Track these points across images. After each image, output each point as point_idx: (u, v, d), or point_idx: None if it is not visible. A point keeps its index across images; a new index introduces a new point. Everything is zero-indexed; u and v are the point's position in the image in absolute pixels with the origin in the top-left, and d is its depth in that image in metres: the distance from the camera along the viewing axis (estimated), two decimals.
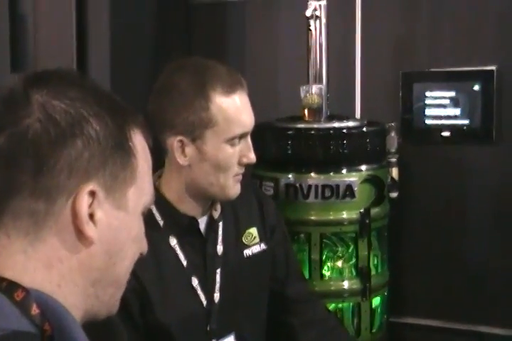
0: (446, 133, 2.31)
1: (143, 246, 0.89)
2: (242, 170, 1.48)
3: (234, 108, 1.43)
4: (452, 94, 2.29)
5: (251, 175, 2.06)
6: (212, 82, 1.42)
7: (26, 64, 2.22)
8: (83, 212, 0.75)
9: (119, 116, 0.79)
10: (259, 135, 2.01)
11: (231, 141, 1.44)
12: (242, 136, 1.45)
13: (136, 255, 0.88)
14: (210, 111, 1.41)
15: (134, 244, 0.85)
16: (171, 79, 1.46)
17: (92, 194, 0.76)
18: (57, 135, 0.74)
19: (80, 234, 0.76)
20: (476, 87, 2.25)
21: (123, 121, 0.80)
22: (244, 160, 1.47)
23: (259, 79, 2.32)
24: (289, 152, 2.00)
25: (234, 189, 1.49)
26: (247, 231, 1.62)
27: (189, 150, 1.44)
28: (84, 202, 0.75)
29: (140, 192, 0.82)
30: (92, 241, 0.77)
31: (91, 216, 0.77)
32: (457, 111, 2.29)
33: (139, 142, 0.82)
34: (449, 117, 2.30)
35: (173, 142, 1.44)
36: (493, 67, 2.23)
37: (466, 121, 2.28)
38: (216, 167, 1.45)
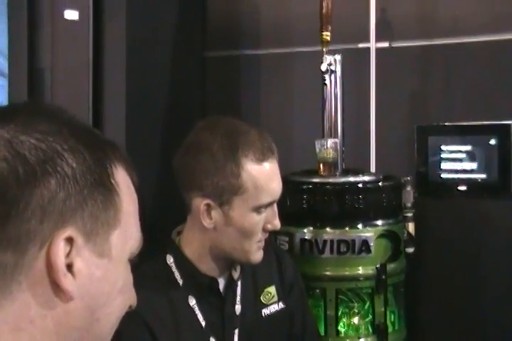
0: (462, 187, 2.28)
1: (131, 298, 0.78)
2: (265, 236, 1.48)
3: (264, 176, 1.42)
4: (468, 148, 2.27)
5: None
6: (244, 148, 1.40)
7: None
8: (59, 263, 0.65)
9: (99, 150, 0.70)
10: None
11: (258, 209, 1.43)
12: (269, 204, 1.44)
13: (124, 309, 0.76)
14: (241, 178, 1.40)
15: (120, 295, 0.74)
16: (201, 139, 1.44)
17: (70, 240, 0.66)
18: (27, 174, 0.65)
19: (56, 288, 0.66)
20: (493, 141, 2.24)
21: (103, 156, 0.70)
22: (269, 227, 1.47)
23: (274, 132, 2.27)
24: (304, 206, 1.98)
25: (256, 254, 1.48)
26: (266, 289, 1.60)
27: (215, 214, 1.43)
28: (60, 250, 0.65)
29: (125, 236, 0.72)
30: (71, 295, 0.66)
31: (69, 266, 0.67)
32: (474, 165, 2.27)
33: (122, 178, 0.72)
34: (465, 171, 2.28)
35: (200, 204, 1.42)
36: (510, 122, 2.22)
37: (483, 175, 2.26)
38: (241, 233, 1.44)
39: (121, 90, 2.22)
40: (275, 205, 1.47)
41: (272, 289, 1.61)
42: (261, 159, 1.41)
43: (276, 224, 1.47)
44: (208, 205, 1.42)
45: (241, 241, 1.45)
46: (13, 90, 2.24)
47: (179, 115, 2.40)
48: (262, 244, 1.48)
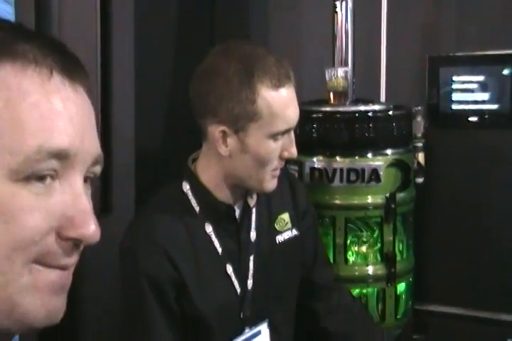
0: (473, 118, 2.27)
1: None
2: (281, 165, 1.45)
3: (280, 103, 1.38)
4: (480, 78, 2.25)
5: None
6: (260, 74, 1.36)
7: None
8: None
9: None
10: None
11: (274, 136, 1.40)
12: (285, 131, 1.42)
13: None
14: (256, 104, 1.36)
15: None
16: (216, 65, 1.39)
17: None
18: None
19: None
20: (506, 71, 2.21)
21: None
22: (286, 154, 1.43)
23: None
24: (315, 135, 1.97)
25: (271, 183, 1.46)
26: (280, 216, 1.60)
27: (231, 140, 1.40)
28: None
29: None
30: None
31: None
32: (485, 96, 2.25)
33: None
34: (476, 102, 2.26)
35: (215, 131, 1.40)
36: None
37: (494, 106, 2.24)
38: (256, 160, 1.41)
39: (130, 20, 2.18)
40: (292, 133, 1.44)
41: (286, 216, 1.61)
42: (277, 85, 1.37)
43: (293, 151, 1.44)
44: (224, 132, 1.40)
45: (256, 168, 1.43)
46: None
47: (188, 40, 2.37)
48: (278, 172, 1.46)
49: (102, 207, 2.24)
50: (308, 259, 1.68)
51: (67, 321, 2.19)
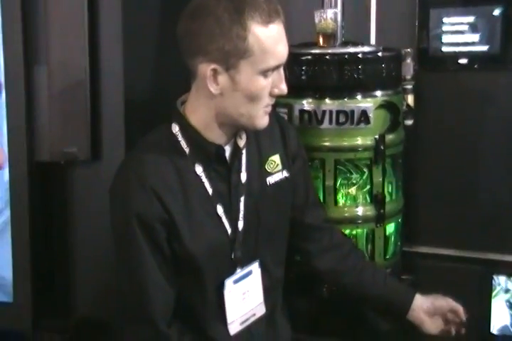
0: (463, 60, 2.26)
1: None
2: (272, 101, 1.47)
3: (271, 39, 1.38)
4: (471, 19, 2.23)
5: None
6: (250, 10, 1.36)
7: None
8: None
9: None
10: None
11: (265, 73, 1.41)
12: (276, 68, 1.42)
13: None
14: (247, 40, 1.37)
15: None
16: (205, 3, 1.39)
17: None
18: None
19: None
20: (496, 12, 2.19)
21: None
22: (276, 91, 1.45)
23: None
24: (304, 78, 1.96)
25: (263, 120, 1.47)
26: (270, 158, 1.61)
27: (222, 79, 1.40)
28: None
29: None
30: None
31: None
32: (475, 38, 2.23)
33: None
34: (466, 44, 2.25)
35: (206, 70, 1.40)
36: None
37: (484, 48, 2.23)
38: (248, 97, 1.42)
39: None
40: (281, 69, 1.45)
41: (276, 158, 1.63)
42: (267, 21, 1.38)
43: (283, 88, 1.45)
44: (215, 70, 1.40)
45: (248, 106, 1.43)
46: None
47: None
48: (269, 109, 1.48)
49: (92, 154, 2.25)
50: (300, 201, 1.70)
51: (61, 265, 2.23)
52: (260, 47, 1.38)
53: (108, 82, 2.23)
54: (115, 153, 2.17)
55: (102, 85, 2.23)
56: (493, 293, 1.74)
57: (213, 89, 1.42)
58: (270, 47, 1.39)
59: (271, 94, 1.45)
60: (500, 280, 1.74)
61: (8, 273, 2.20)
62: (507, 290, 1.74)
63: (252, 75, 1.40)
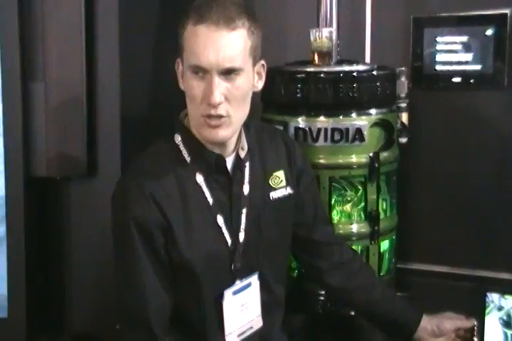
0: (456, 79, 2.28)
1: None
2: (212, 112, 1.43)
3: (194, 38, 1.42)
4: (464, 39, 2.26)
5: (260, 119, 2.06)
6: (194, 10, 1.43)
7: None
8: None
9: None
10: (269, 79, 2.00)
11: (194, 73, 1.43)
12: (205, 72, 1.41)
13: None
14: (183, 37, 1.45)
15: None
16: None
17: None
18: None
19: None
20: (489, 32, 2.22)
21: None
22: (206, 100, 1.43)
23: (268, 22, 2.26)
24: (299, 95, 1.98)
25: (206, 131, 1.45)
26: (274, 174, 1.63)
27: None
28: None
29: None
30: None
31: None
32: (469, 57, 2.26)
33: None
34: (460, 63, 2.28)
35: (178, 64, 1.50)
36: (507, 11, 2.19)
37: (477, 67, 2.26)
38: (187, 97, 1.47)
39: None
40: (213, 79, 1.41)
41: (281, 174, 1.64)
42: (199, 22, 1.41)
43: (209, 98, 1.41)
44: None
45: (190, 108, 1.47)
46: None
47: None
48: (212, 122, 1.43)
49: (88, 169, 2.26)
50: (308, 218, 1.72)
51: (56, 281, 2.21)
52: (187, 44, 1.44)
53: (104, 98, 2.24)
54: (111, 168, 2.18)
55: (99, 101, 2.24)
56: (487, 311, 1.75)
57: (180, 84, 1.50)
58: (192, 46, 1.42)
59: (207, 103, 1.43)
60: (494, 298, 1.75)
61: (2, 288, 2.20)
62: (500, 308, 1.74)
63: (186, 72, 1.45)
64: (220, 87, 1.41)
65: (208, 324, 1.54)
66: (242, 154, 1.55)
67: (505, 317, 1.74)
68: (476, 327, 1.75)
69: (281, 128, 1.98)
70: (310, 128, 1.96)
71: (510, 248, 2.28)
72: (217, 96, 1.41)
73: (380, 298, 1.76)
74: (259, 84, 1.55)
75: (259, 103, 2.11)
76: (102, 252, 1.61)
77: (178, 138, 1.54)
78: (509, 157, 2.25)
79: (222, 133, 1.45)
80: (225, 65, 1.41)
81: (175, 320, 1.52)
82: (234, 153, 1.55)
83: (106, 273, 1.58)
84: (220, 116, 1.43)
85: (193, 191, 1.50)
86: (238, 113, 1.46)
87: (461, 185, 2.31)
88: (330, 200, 1.99)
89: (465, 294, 1.92)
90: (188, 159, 1.51)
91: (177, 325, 1.53)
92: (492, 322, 1.74)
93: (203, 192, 1.50)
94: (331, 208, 2.00)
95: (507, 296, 1.75)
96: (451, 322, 1.76)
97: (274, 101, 2.04)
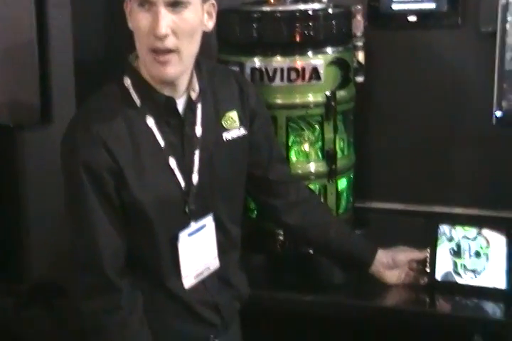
0: (412, 18, 2.28)
1: None
2: (158, 45, 1.40)
3: None
4: None
5: (216, 60, 2.04)
6: None
7: None
8: None
9: None
10: (225, 19, 1.98)
11: (141, 5, 1.40)
12: (151, 4, 1.39)
13: None
14: None
15: None
16: None
17: None
18: None
19: None
20: None
21: None
22: (153, 32, 1.40)
23: None
24: (254, 35, 1.96)
25: (155, 68, 1.43)
26: (227, 114, 1.61)
27: (129, 12, 1.46)
28: None
29: None
30: None
31: None
32: None
33: None
34: (415, 1, 2.27)
35: (127, 3, 1.46)
36: None
37: (432, 5, 2.26)
38: (135, 33, 1.44)
39: None
40: (160, 10, 1.38)
41: (234, 114, 1.63)
42: None
43: (155, 30, 1.38)
44: (127, 3, 1.45)
45: (138, 45, 1.44)
46: None
47: None
48: (161, 58, 1.41)
49: (42, 116, 2.23)
50: (263, 158, 1.72)
51: (14, 229, 2.21)
52: None
53: (57, 42, 2.19)
54: (66, 115, 2.13)
55: (51, 45, 2.20)
56: (438, 242, 1.82)
57: (129, 23, 1.45)
58: None
59: (154, 35, 1.40)
60: (445, 230, 1.82)
61: None
62: (451, 239, 1.82)
63: (133, 6, 1.42)
64: (167, 18, 1.39)
65: (164, 266, 1.54)
66: (194, 95, 1.54)
67: (455, 248, 1.82)
68: (428, 259, 1.82)
69: (238, 68, 1.97)
70: (266, 68, 1.95)
71: (461, 184, 2.34)
72: (163, 27, 1.38)
73: (335, 235, 1.80)
74: (210, 24, 1.52)
75: (216, 45, 2.09)
76: (57, 200, 1.60)
77: (127, 81, 1.51)
78: (462, 94, 2.28)
79: (171, 70, 1.43)
80: None
81: (130, 264, 1.52)
82: (185, 95, 1.53)
83: (62, 220, 1.57)
84: (168, 51, 1.41)
85: (143, 134, 1.48)
86: (187, 49, 1.44)
87: (416, 124, 2.33)
88: (287, 140, 2.00)
89: (419, 228, 1.97)
90: (137, 102, 1.49)
91: (133, 269, 1.53)
92: (443, 253, 1.81)
93: (154, 135, 1.49)
94: (288, 148, 2.01)
95: (457, 227, 1.83)
96: (405, 254, 1.84)
97: (230, 42, 2.02)
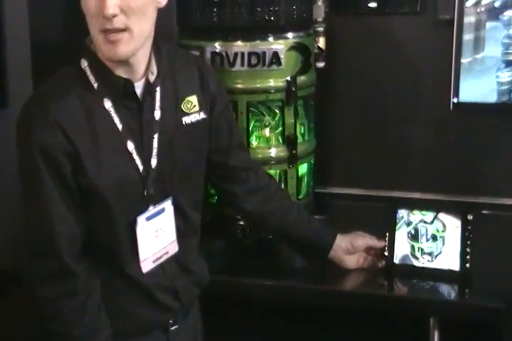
0: (373, 4, 2.29)
1: None
2: (107, 26, 1.38)
3: None
4: None
5: (177, 45, 2.03)
6: None
7: None
8: None
9: None
10: (185, 3, 1.96)
11: None
12: None
13: None
14: None
15: None
16: None
17: None
18: None
19: None
20: None
21: None
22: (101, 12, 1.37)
23: None
24: (215, 20, 1.95)
25: (106, 48, 1.41)
26: (187, 98, 1.60)
27: None
28: None
29: None
30: None
31: None
32: None
33: None
34: None
35: None
36: None
37: None
38: (85, 14, 1.40)
39: None
40: None
41: (194, 99, 1.61)
42: None
43: (104, 9, 1.35)
44: None
45: (89, 27, 1.41)
46: None
47: None
48: (110, 37, 1.39)
49: None
50: (223, 144, 1.71)
51: None
52: None
53: (13, 25, 2.16)
54: (22, 99, 2.11)
55: (7, 28, 2.16)
56: (397, 226, 1.86)
57: (82, 5, 1.40)
58: None
59: (103, 16, 1.37)
60: (403, 214, 1.86)
61: None
62: (409, 223, 1.85)
63: None
64: None
65: (122, 251, 1.52)
66: (152, 78, 1.52)
67: (412, 231, 1.85)
68: (386, 247, 1.86)
69: (198, 53, 1.95)
70: (227, 53, 1.94)
71: (419, 170, 2.37)
72: (111, 8, 1.35)
73: (294, 220, 1.81)
74: (162, 0, 1.49)
75: (176, 29, 2.07)
76: (16, 186, 1.57)
77: (84, 64, 1.48)
78: (422, 79, 2.30)
79: (122, 48, 1.40)
80: None
81: (88, 249, 1.50)
82: (144, 79, 1.51)
83: (17, 207, 1.54)
84: (118, 30, 1.38)
85: (101, 117, 1.46)
86: (138, 27, 1.40)
87: (376, 110, 2.35)
88: (248, 125, 2.00)
89: (379, 213, 1.99)
90: (95, 85, 1.46)
91: (91, 253, 1.51)
92: (401, 236, 1.85)
93: (112, 118, 1.47)
94: (249, 133, 2.01)
95: (415, 212, 1.86)
96: (364, 239, 1.88)
97: (190, 26, 2.01)
